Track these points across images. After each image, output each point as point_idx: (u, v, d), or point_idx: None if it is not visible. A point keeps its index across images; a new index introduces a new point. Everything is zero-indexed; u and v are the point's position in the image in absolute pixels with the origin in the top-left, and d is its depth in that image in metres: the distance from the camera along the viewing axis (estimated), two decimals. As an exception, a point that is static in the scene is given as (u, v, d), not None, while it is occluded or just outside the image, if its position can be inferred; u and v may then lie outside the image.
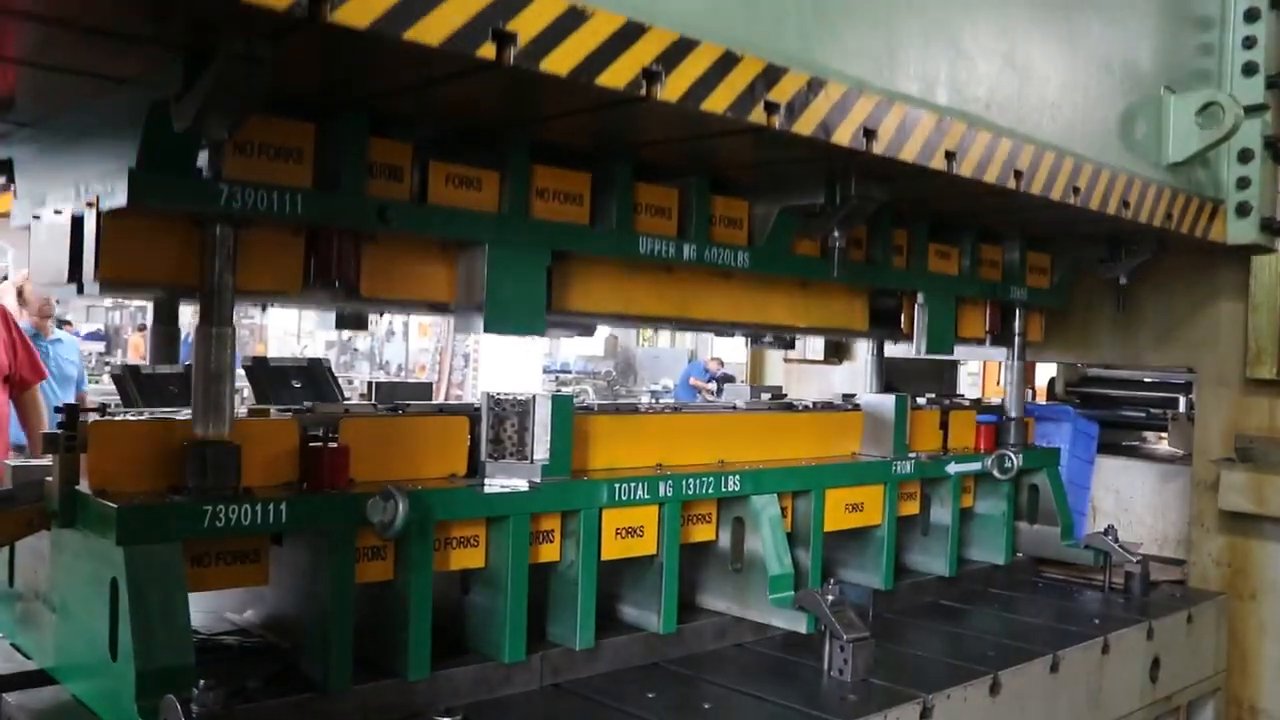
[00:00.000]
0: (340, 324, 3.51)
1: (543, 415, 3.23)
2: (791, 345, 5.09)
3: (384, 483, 2.90)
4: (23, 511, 2.82)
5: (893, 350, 5.41)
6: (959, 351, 5.37)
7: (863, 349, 6.18)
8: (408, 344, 32.26)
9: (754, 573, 3.82)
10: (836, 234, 3.88)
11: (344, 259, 2.98)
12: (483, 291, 3.15)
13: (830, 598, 3.53)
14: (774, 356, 7.52)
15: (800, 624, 3.70)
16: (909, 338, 4.74)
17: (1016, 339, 5.21)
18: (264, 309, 3.88)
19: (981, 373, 14.59)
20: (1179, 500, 5.86)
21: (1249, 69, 4.83)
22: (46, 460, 2.82)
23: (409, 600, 2.98)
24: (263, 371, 3.71)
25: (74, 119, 2.96)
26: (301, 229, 2.97)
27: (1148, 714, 4.51)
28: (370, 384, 3.88)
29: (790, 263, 4.05)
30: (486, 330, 3.17)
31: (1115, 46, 4.29)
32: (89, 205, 2.70)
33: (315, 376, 3.86)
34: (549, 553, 3.37)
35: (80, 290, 2.81)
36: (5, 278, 5.70)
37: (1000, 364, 5.49)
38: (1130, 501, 6.16)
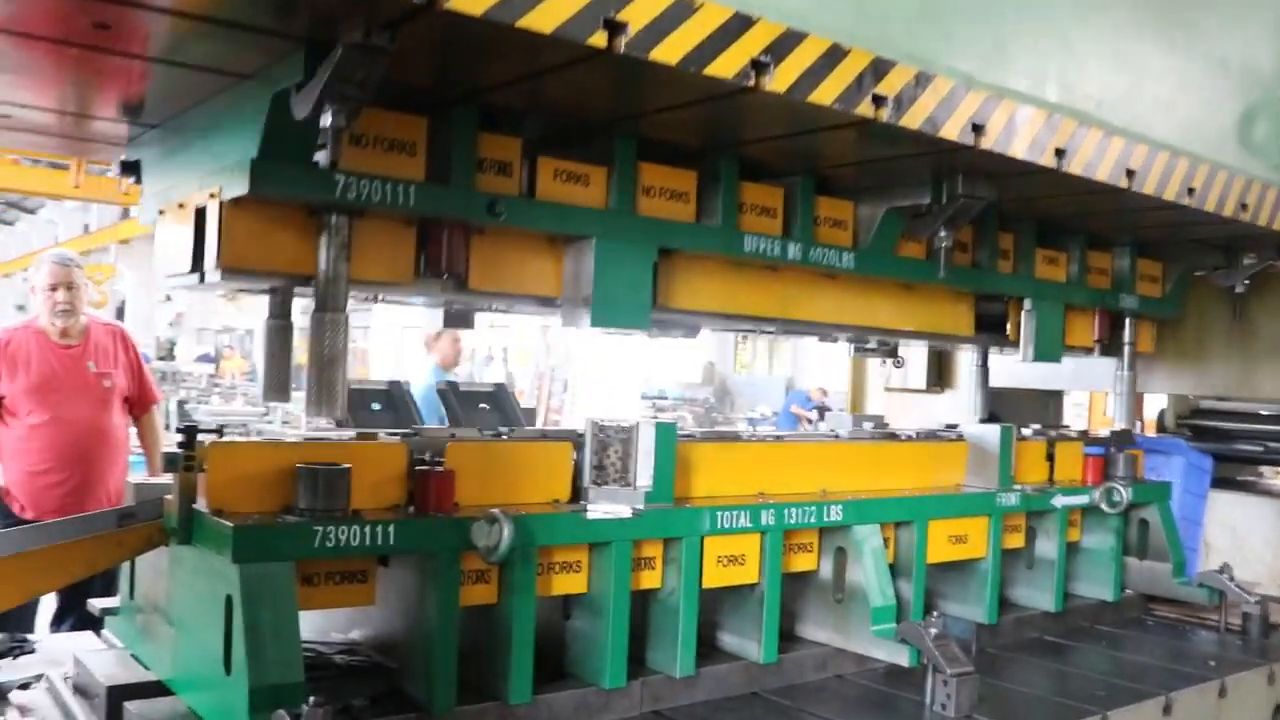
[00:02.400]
0: (448, 322, 3.58)
1: (646, 442, 3.25)
2: (895, 354, 5.02)
3: (489, 507, 2.95)
4: (143, 528, 2.92)
5: (999, 360, 5.30)
6: (1067, 376, 5.25)
7: (966, 375, 6.08)
8: (507, 369, 32.59)
9: (856, 604, 3.78)
10: (943, 234, 3.85)
11: (454, 251, 3.05)
12: (590, 285, 3.19)
13: (933, 631, 3.49)
14: (875, 385, 7.44)
15: (902, 657, 3.66)
16: (1015, 345, 4.66)
17: (1126, 348, 5.10)
18: (376, 299, 3.99)
19: (1088, 404, 14.28)
20: (1300, 538, 5.67)
21: None
22: (167, 479, 2.91)
23: (512, 624, 3.01)
24: (454, 395, 3.86)
25: (199, 117, 3.07)
26: (413, 221, 3.04)
27: (1269, 763, 4.36)
28: (474, 410, 3.97)
29: (895, 264, 4.03)
30: (594, 324, 3.21)
31: (1232, 45, 4.19)
32: (211, 196, 2.80)
33: (500, 400, 4.01)
34: (650, 579, 3.38)
35: (202, 279, 2.90)
36: (123, 302, 5.89)
37: (1107, 394, 5.37)
38: (1246, 538, 5.97)
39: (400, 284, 3.06)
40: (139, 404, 6.10)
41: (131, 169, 3.56)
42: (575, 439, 3.34)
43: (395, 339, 33.18)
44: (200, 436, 2.82)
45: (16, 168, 25.61)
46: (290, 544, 2.67)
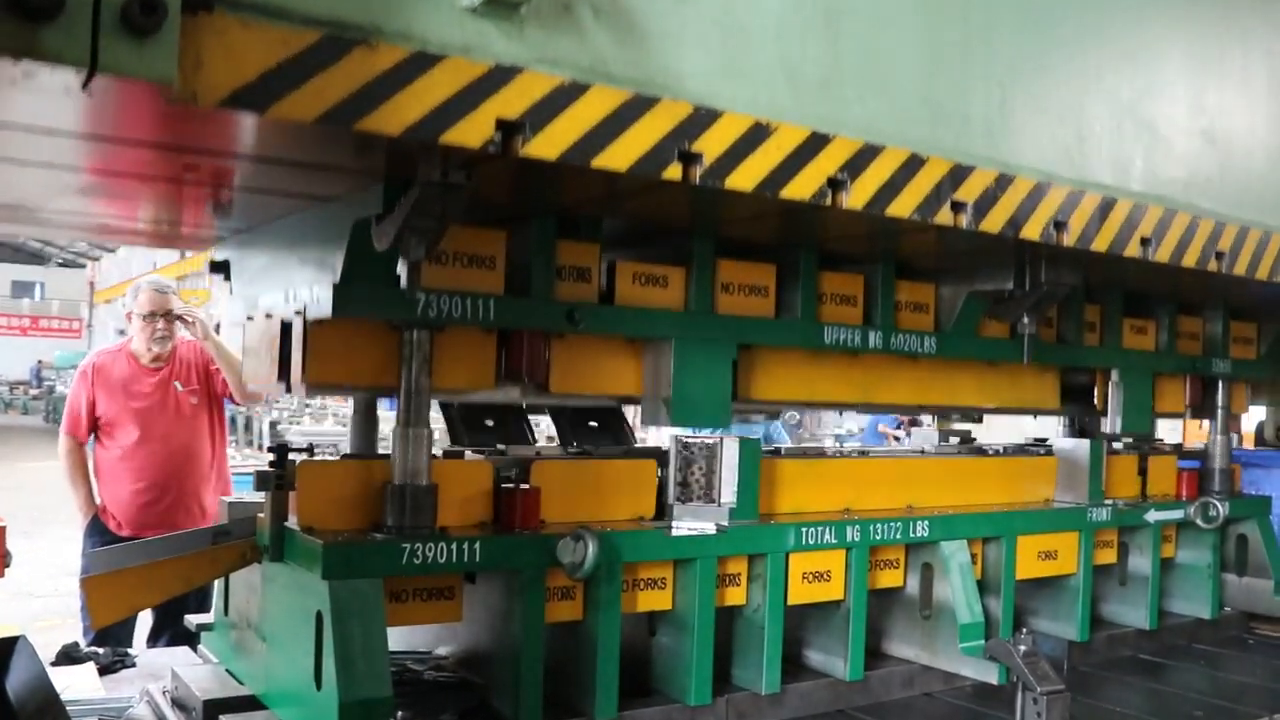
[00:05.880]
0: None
1: (730, 458, 3.25)
2: (979, 420, 4.96)
3: (574, 524, 2.97)
4: (237, 545, 2.98)
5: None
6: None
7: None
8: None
9: (943, 620, 3.74)
10: (1026, 320, 3.81)
11: (534, 357, 3.08)
12: (669, 386, 3.20)
13: (1023, 648, 3.42)
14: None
15: (991, 674, 3.61)
16: (1103, 414, 4.58)
17: (1219, 413, 4.97)
18: (456, 404, 4.11)
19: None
20: (1407, 554, 5.47)
21: None
22: (259, 497, 2.98)
23: (597, 640, 3.03)
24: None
25: (285, 227, 3.16)
26: (494, 328, 3.06)
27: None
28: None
29: (979, 346, 4.00)
30: (673, 423, 3.21)
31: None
32: (296, 314, 2.86)
33: (610, 420, 3.99)
34: (735, 596, 3.38)
35: (288, 390, 2.99)
36: (218, 325, 5.93)
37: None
38: (1351, 555, 5.77)
39: (482, 389, 3.09)
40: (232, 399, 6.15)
41: (220, 268, 3.68)
42: (660, 456, 3.36)
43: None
44: (291, 456, 2.89)
45: (115, 196, 26.40)
46: (378, 561, 2.71)
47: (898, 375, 3.88)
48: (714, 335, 3.29)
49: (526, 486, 3.03)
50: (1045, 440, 4.68)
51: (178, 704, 3.21)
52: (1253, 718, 3.71)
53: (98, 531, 5.78)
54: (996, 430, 6.64)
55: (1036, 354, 3.93)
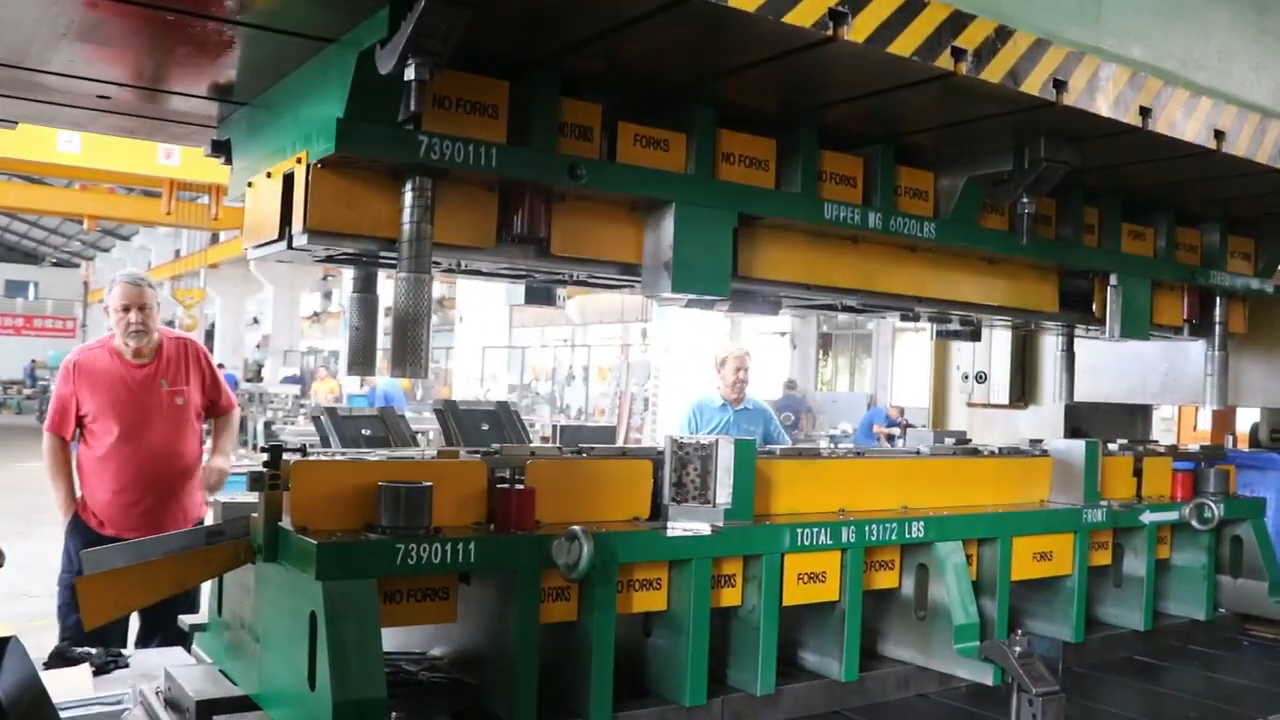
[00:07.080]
0: (530, 297, 3.61)
1: (725, 459, 3.25)
2: (978, 337, 4.91)
3: (569, 524, 2.96)
4: (231, 546, 2.97)
5: (1084, 376, 5.17)
6: (1155, 389, 5.13)
7: (1049, 390, 5.98)
8: (587, 387, 32.70)
9: (938, 621, 3.74)
10: (1025, 200, 3.81)
11: (535, 215, 3.08)
12: (670, 251, 3.20)
13: (1018, 649, 3.42)
14: (957, 400, 7.36)
15: (986, 676, 3.61)
16: (1101, 322, 4.57)
17: (1217, 328, 4.95)
18: (458, 265, 4.00)
19: (1177, 420, 13.96)
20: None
21: None
22: (253, 497, 2.97)
23: (592, 641, 3.02)
24: (452, 414, 3.81)
25: (286, 90, 3.14)
26: (495, 186, 3.07)
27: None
28: (555, 427, 3.94)
29: (978, 235, 3.98)
30: (674, 289, 3.21)
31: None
32: (298, 161, 2.85)
33: (501, 420, 3.96)
34: (730, 597, 3.37)
35: (290, 244, 2.94)
36: (212, 325, 5.94)
37: (1198, 409, 5.25)
38: (1345, 555, 5.77)
39: (482, 248, 3.08)
40: (214, 410, 6.15)
41: (222, 148, 3.65)
42: (655, 457, 3.36)
43: (477, 359, 33.52)
44: (285, 456, 2.88)
45: (111, 196, 26.40)
46: (373, 561, 2.71)
47: (897, 264, 3.89)
48: (715, 201, 3.29)
49: (521, 486, 3.03)
50: (1040, 441, 4.68)
51: (171, 705, 3.20)
52: (1247, 719, 3.71)
53: (79, 530, 5.73)
54: (993, 433, 6.64)
55: (1035, 249, 3.92)
